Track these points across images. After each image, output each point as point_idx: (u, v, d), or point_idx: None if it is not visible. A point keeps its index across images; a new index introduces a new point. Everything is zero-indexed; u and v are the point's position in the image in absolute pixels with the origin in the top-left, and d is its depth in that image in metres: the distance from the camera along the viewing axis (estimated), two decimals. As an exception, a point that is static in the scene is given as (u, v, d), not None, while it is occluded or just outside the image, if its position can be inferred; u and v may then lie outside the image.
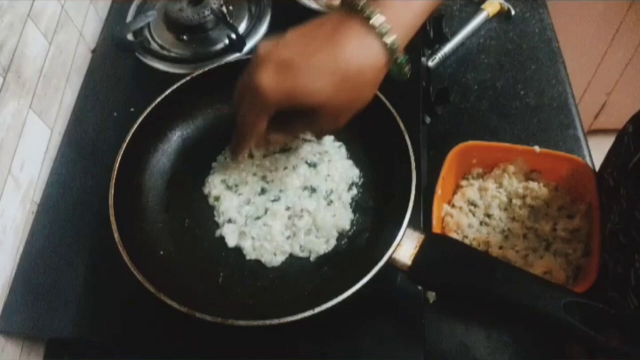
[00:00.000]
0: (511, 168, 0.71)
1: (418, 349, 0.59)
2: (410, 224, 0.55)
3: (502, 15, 0.92)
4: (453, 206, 0.70)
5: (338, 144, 0.68)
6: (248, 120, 0.55)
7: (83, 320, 0.63)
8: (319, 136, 0.66)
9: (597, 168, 0.70)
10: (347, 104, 0.53)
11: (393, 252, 0.54)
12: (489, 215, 0.69)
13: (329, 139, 0.69)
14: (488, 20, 0.91)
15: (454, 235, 0.67)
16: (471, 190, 0.71)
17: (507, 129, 0.78)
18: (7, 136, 0.65)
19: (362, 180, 0.66)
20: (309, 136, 0.68)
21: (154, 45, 0.85)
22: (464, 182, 0.72)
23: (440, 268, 0.54)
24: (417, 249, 0.54)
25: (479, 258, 0.55)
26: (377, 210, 0.64)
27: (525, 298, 0.49)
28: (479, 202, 0.70)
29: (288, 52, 0.51)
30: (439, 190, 0.68)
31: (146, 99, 0.79)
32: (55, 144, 0.76)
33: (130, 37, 0.86)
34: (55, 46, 0.76)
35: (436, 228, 0.66)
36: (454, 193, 0.72)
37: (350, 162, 0.67)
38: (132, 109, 0.77)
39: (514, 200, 0.69)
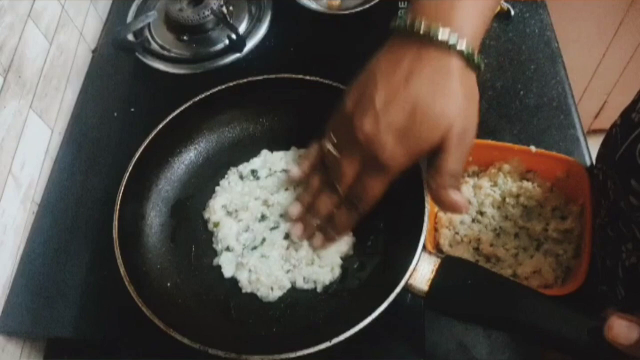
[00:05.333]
0: (506, 167, 0.71)
1: (418, 349, 0.59)
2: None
3: (501, 15, 0.92)
4: (446, 202, 0.71)
5: None
6: (372, 193, 0.53)
7: (83, 320, 0.63)
8: (452, 177, 0.53)
9: (596, 168, 0.71)
10: (465, 118, 0.51)
11: (409, 277, 0.51)
12: (481, 213, 0.69)
13: None
14: (488, 21, 0.91)
15: (445, 231, 0.68)
16: (465, 187, 0.71)
17: (507, 129, 0.78)
18: (7, 136, 0.65)
19: None
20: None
21: (154, 46, 0.86)
22: (458, 179, 0.72)
23: (459, 293, 0.51)
24: (433, 273, 0.52)
25: (500, 282, 0.52)
26: (388, 232, 0.61)
27: (550, 325, 0.46)
28: (473, 200, 0.70)
29: (394, 114, 0.49)
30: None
31: (146, 99, 0.79)
32: (56, 144, 0.77)
33: (130, 37, 0.86)
34: (55, 46, 0.76)
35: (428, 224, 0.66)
36: None
37: None
38: (132, 109, 0.78)
39: (507, 199, 0.69)
